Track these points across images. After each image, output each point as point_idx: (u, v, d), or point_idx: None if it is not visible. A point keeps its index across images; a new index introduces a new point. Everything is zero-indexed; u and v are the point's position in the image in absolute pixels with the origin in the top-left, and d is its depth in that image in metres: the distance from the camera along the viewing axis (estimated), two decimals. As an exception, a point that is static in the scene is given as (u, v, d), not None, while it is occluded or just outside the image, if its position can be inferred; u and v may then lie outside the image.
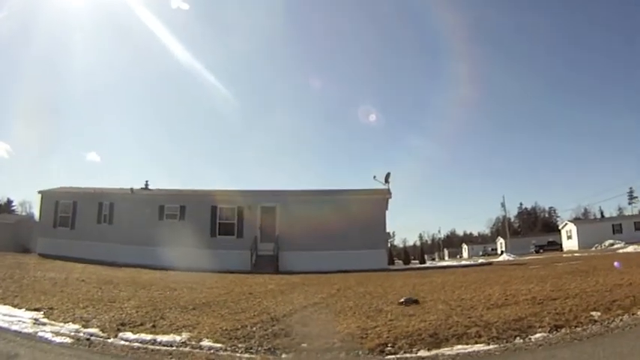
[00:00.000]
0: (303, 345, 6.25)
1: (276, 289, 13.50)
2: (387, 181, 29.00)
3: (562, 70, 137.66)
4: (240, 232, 27.40)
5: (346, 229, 26.49)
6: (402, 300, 9.50)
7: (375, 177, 29.46)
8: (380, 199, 28.71)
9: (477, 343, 6.15)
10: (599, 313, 7.06)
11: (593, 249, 47.40)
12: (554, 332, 6.36)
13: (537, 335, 6.28)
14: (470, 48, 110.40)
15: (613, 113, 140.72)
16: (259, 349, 6.21)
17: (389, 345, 6.15)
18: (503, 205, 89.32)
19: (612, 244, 47.87)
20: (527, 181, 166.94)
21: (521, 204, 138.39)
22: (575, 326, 6.55)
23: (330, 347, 6.13)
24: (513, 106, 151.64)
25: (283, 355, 6.00)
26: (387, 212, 29.04)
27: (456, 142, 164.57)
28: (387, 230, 30.11)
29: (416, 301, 9.49)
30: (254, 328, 7.14)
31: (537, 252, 64.50)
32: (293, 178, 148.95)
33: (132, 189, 29.53)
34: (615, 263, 15.49)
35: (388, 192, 28.59)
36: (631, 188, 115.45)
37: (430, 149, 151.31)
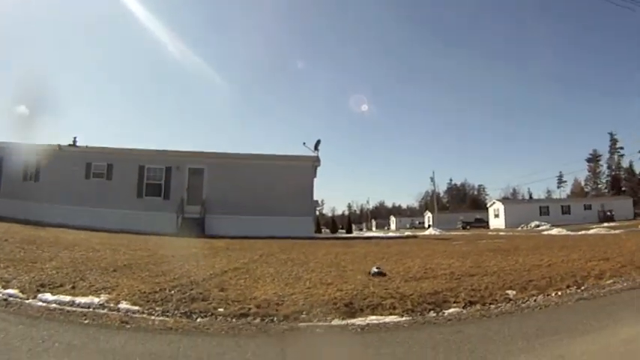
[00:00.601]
0: (219, 310, 6.28)
1: (200, 252, 13.49)
2: (316, 148, 28.97)
3: (498, 45, 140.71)
4: (167, 193, 26.92)
5: (274, 195, 26.64)
6: (323, 268, 9.63)
7: (304, 143, 29.38)
8: (308, 165, 28.72)
9: (391, 314, 6.31)
10: (514, 292, 7.34)
11: (519, 229, 49.30)
12: (468, 308, 6.60)
13: (451, 310, 6.50)
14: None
15: (548, 95, 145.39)
16: (175, 312, 6.21)
17: (304, 313, 6.24)
18: (432, 179, 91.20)
19: (538, 226, 49.89)
20: (458, 157, 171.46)
21: (451, 180, 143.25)
22: (490, 303, 6.81)
23: (245, 312, 6.18)
24: (448, 81, 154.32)
25: (198, 320, 6.00)
26: (315, 180, 29.27)
27: (389, 115, 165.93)
28: (315, 198, 30.32)
29: (337, 269, 9.63)
30: (172, 292, 7.09)
31: (464, 228, 66.68)
32: (229, 142, 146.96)
33: (59, 145, 28.31)
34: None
35: (317, 159, 28.63)
36: (560, 172, 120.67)
37: (364, 120, 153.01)
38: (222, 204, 25.90)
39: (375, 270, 8.93)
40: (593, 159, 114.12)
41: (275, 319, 6.04)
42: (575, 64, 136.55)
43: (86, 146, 28.58)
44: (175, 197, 26.55)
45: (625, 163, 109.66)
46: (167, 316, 6.08)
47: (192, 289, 7.30)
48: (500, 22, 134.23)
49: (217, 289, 7.45)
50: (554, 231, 31.92)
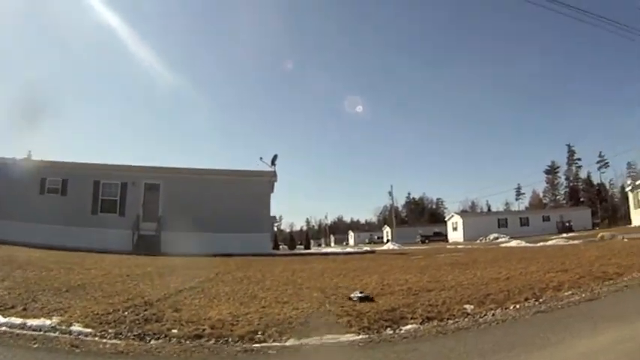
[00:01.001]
0: (173, 331, 6.17)
1: (155, 271, 13.35)
2: (273, 163, 29.15)
3: (455, 57, 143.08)
4: (123, 209, 26.58)
5: (231, 211, 26.57)
6: (279, 286, 9.62)
7: (261, 158, 29.55)
8: (265, 181, 28.88)
9: (347, 332, 6.25)
10: (472, 307, 7.40)
11: (478, 241, 50.03)
12: (425, 324, 6.60)
13: (408, 327, 6.48)
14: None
15: (508, 108, 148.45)
16: (129, 334, 6.07)
17: (259, 332, 6.16)
18: (390, 193, 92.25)
19: (497, 238, 50.80)
20: (416, 171, 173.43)
21: (409, 194, 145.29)
22: (447, 319, 6.82)
23: (199, 334, 6.09)
24: (406, 95, 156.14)
25: (152, 342, 5.87)
26: (272, 195, 29.48)
27: (347, 129, 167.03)
28: (273, 214, 30.41)
29: (294, 287, 9.64)
30: (126, 313, 6.98)
31: (423, 242, 67.38)
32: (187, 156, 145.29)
33: (13, 159, 27.58)
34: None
35: (274, 175, 28.77)
36: (519, 184, 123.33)
37: (320, 136, 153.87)
38: (178, 220, 25.30)
39: (359, 294, 8.74)
40: (552, 171, 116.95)
41: (229, 339, 5.94)
42: (534, 75, 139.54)
43: (41, 160, 28.00)
44: (131, 214, 26.23)
45: (583, 174, 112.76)
46: (120, 339, 5.95)
47: (146, 310, 7.20)
48: (460, 33, 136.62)
49: (172, 309, 7.36)
50: (513, 243, 32.58)
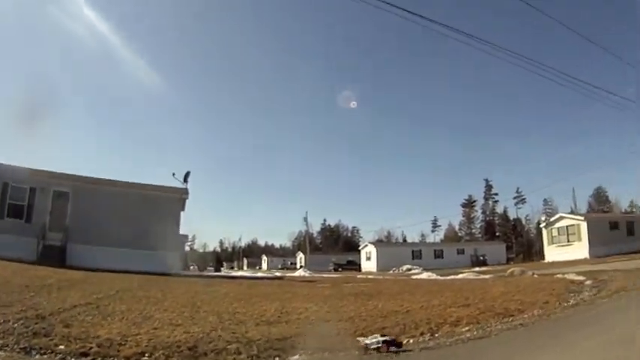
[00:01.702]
0: (60, 347, 6.15)
1: (55, 284, 13.14)
2: (185, 180, 28.82)
3: (370, 91, 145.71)
4: (30, 216, 25.28)
5: (141, 227, 25.83)
6: (177, 308, 9.58)
7: (174, 174, 29.13)
8: (176, 198, 28.45)
9: (234, 360, 6.28)
10: (366, 340, 7.48)
11: (390, 272, 50.76)
12: (315, 355, 6.68)
13: (296, 357, 6.56)
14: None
15: (428, 142, 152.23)
16: (15, 347, 6.06)
17: (146, 355, 6.17)
18: (305, 219, 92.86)
19: (410, 269, 51.58)
20: (332, 198, 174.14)
21: (325, 220, 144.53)
22: (339, 351, 6.93)
23: (86, 352, 6.06)
24: (321, 122, 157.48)
25: (37, 357, 5.87)
26: (184, 213, 29.10)
27: (265, 152, 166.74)
28: (185, 233, 29.98)
29: (191, 310, 9.68)
30: (16, 325, 6.97)
31: (336, 270, 67.49)
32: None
33: None
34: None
35: (186, 192, 28.42)
36: (435, 216, 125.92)
37: (239, 157, 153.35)
38: (86, 232, 24.76)
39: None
40: (469, 204, 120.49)
41: None
42: (456, 110, 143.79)
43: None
44: (38, 221, 24.99)
45: (500, 209, 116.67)
46: (5, 351, 5.91)
47: (36, 323, 7.18)
48: (376, 64, 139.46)
49: (63, 324, 7.35)
50: (424, 275, 33.31)
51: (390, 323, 8.89)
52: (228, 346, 6.74)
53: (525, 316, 10.08)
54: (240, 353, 6.50)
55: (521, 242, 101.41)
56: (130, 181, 29.53)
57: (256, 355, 6.49)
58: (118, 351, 6.19)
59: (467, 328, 8.62)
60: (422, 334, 8.10)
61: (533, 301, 11.81)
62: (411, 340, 7.69)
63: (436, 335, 8.08)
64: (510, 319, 9.65)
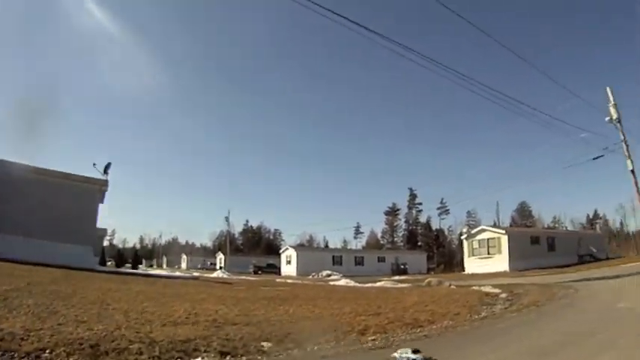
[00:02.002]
0: None
1: None
2: (106, 171, 28.25)
3: (300, 96, 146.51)
4: None
5: (57, 218, 25.04)
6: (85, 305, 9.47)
7: (95, 165, 28.51)
8: (95, 189, 27.89)
9: (136, 360, 6.25)
10: (270, 344, 7.61)
11: (310, 277, 50.86)
12: (218, 358, 6.71)
13: (197, 360, 6.56)
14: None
15: (353, 149, 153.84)
16: None
17: (47, 351, 6.05)
18: (227, 219, 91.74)
19: (329, 275, 51.88)
20: (256, 199, 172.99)
21: (247, 221, 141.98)
22: (242, 355, 6.99)
23: None
24: (241, 125, 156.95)
25: None
26: (102, 205, 28.43)
27: (190, 152, 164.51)
28: (104, 226, 29.29)
29: (99, 307, 9.59)
30: None
31: (256, 273, 67.10)
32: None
33: None
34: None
35: (105, 183, 27.87)
36: (358, 223, 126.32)
37: (164, 154, 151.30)
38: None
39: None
40: (392, 212, 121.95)
41: (15, 355, 5.81)
42: (385, 123, 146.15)
43: None
44: None
45: (423, 219, 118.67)
46: None
47: None
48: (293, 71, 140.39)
49: None
50: (342, 282, 33.64)
51: (298, 329, 8.98)
52: (131, 346, 6.66)
53: (434, 327, 10.30)
54: (141, 353, 6.45)
55: (442, 253, 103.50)
56: (47, 168, 28.44)
57: (158, 356, 6.45)
58: (20, 345, 6.07)
59: (373, 337, 8.79)
60: (327, 341, 8.21)
61: (445, 313, 12.09)
62: (316, 347, 7.79)
63: (342, 343, 8.20)
64: (418, 330, 9.85)
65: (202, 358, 6.65)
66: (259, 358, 6.99)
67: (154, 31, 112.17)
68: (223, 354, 6.92)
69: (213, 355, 6.82)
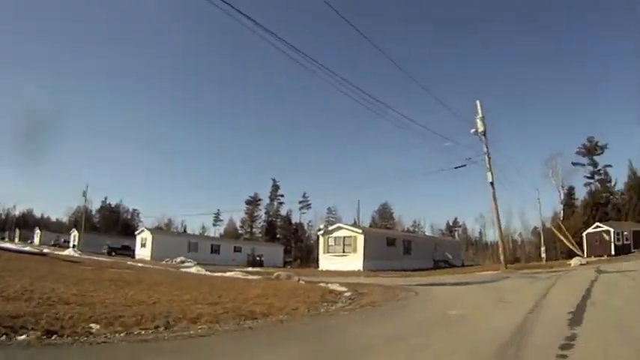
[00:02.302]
0: None
1: None
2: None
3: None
4: None
5: None
6: None
7: None
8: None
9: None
10: (98, 326, 7.82)
11: (164, 262, 50.42)
12: (44, 337, 6.88)
13: (23, 337, 6.71)
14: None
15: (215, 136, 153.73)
16: None
17: None
18: (85, 194, 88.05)
19: (183, 262, 51.40)
20: (117, 175, 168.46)
21: (106, 198, 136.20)
22: (68, 335, 7.16)
23: None
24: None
25: None
26: None
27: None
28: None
29: None
30: None
31: (109, 254, 65.20)
32: None
33: None
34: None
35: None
36: (219, 209, 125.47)
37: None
38: None
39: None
40: (253, 202, 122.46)
41: None
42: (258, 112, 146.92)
43: None
44: None
45: (284, 211, 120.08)
46: None
47: None
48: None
49: None
50: (194, 269, 33.84)
51: (130, 313, 9.22)
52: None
53: (268, 320, 10.48)
54: (-35, 328, 6.56)
55: (300, 247, 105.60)
56: None
57: (-19, 331, 6.56)
58: None
59: (202, 326, 9.03)
60: (157, 327, 8.42)
61: (283, 307, 12.34)
62: (143, 332, 8.04)
63: (172, 329, 8.43)
64: (250, 322, 10.06)
65: (28, 335, 6.78)
66: (85, 339, 7.16)
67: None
68: (50, 332, 7.06)
69: (40, 333, 6.97)
